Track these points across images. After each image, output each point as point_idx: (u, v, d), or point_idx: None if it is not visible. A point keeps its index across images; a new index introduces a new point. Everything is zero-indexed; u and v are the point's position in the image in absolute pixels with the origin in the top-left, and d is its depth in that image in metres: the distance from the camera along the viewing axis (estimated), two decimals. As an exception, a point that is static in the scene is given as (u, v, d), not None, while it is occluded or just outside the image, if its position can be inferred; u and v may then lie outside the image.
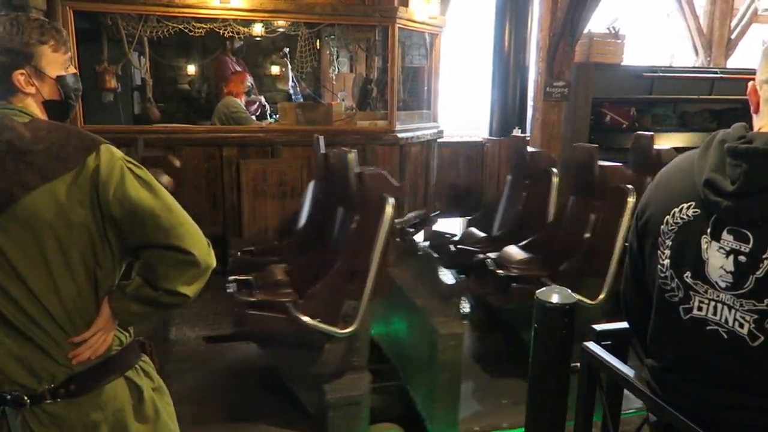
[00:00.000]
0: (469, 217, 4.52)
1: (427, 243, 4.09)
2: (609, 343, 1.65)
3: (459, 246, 3.94)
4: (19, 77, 1.39)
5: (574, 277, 3.05)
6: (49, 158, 1.32)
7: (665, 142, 6.25)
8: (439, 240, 4.13)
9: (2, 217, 1.30)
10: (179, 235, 1.41)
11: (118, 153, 1.40)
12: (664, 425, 1.37)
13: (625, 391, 1.56)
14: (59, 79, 1.46)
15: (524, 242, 3.53)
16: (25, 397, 1.38)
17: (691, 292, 1.20)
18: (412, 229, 5.67)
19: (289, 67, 6.79)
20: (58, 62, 1.45)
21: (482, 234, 4.10)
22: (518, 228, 3.85)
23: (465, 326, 2.76)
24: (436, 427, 2.70)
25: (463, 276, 3.77)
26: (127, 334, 1.52)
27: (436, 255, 3.44)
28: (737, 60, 8.42)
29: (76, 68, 1.55)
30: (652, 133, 3.73)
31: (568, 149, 5.87)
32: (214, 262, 1.49)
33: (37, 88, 1.43)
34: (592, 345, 1.64)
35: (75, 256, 1.35)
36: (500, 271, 3.21)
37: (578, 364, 1.72)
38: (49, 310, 1.36)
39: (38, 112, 1.44)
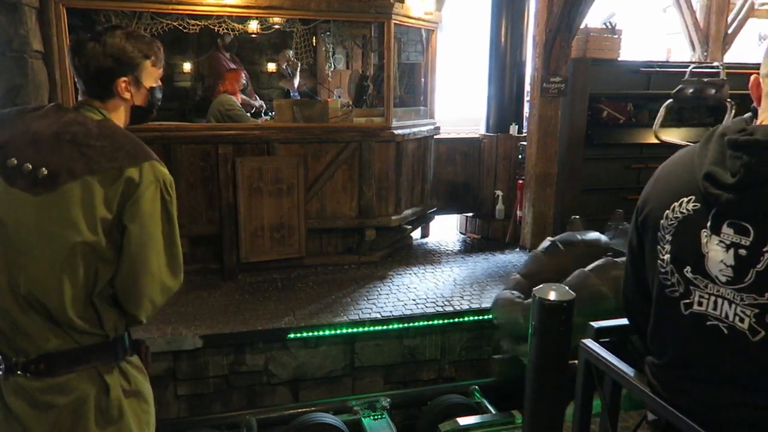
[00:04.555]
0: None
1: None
2: (607, 340, 1.64)
3: None
4: (122, 84, 1.60)
5: None
6: (102, 155, 1.47)
7: (662, 137, 6.24)
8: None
9: (43, 193, 1.45)
10: (138, 306, 1.55)
11: (161, 174, 1.53)
12: (663, 423, 1.36)
13: (624, 389, 1.55)
14: (151, 90, 1.69)
15: None
16: (2, 365, 1.52)
17: (692, 287, 1.18)
18: (409, 226, 5.66)
19: (299, 67, 6.77)
20: (154, 76, 1.69)
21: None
22: None
23: None
24: None
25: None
26: (112, 332, 1.56)
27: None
28: (734, 55, 8.41)
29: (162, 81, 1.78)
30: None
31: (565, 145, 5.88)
32: (154, 311, 1.62)
33: (132, 95, 1.64)
34: (590, 342, 1.63)
35: (86, 247, 1.46)
36: None
37: (576, 362, 1.71)
38: (47, 288, 1.46)
39: (121, 116, 1.65)
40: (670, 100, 4.35)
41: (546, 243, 4.13)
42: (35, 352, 1.49)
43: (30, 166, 1.45)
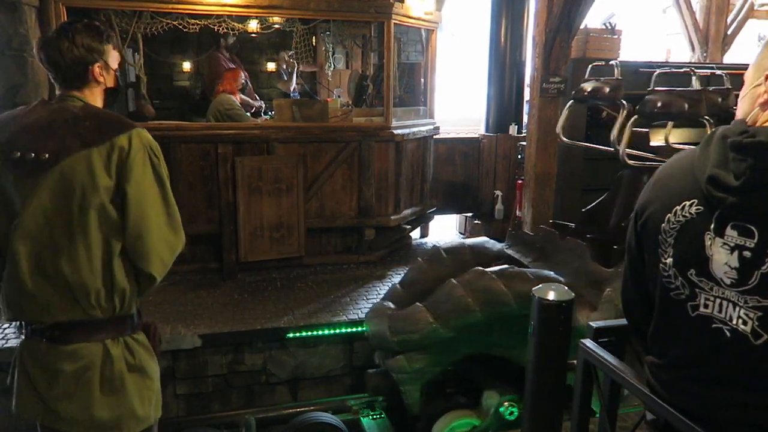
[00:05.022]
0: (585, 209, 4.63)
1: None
2: (606, 340, 1.64)
3: (589, 236, 4.01)
4: (97, 69, 1.78)
5: None
6: (92, 131, 1.66)
7: (661, 138, 6.24)
8: (562, 230, 4.20)
9: (49, 172, 1.63)
10: (149, 261, 1.71)
11: (147, 140, 1.73)
12: (661, 423, 1.36)
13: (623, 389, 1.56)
14: (116, 71, 1.87)
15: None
16: (23, 330, 1.74)
17: (697, 290, 1.19)
18: (408, 226, 5.67)
19: (297, 67, 6.76)
20: (116, 58, 1.86)
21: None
22: None
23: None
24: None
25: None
26: (118, 306, 1.72)
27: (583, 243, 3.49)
28: (734, 56, 8.42)
29: None
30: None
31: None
32: (165, 268, 1.77)
33: (105, 78, 1.82)
34: (589, 342, 1.63)
35: (93, 214, 1.64)
36: None
37: (575, 361, 1.71)
38: (64, 260, 1.64)
39: (98, 99, 1.83)
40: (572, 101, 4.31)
41: (431, 249, 3.84)
42: (50, 321, 1.69)
43: (33, 154, 1.64)
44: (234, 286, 4.58)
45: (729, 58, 8.20)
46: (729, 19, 8.21)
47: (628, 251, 1.41)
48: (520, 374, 3.14)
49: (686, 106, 3.27)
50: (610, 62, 4.07)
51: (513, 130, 6.16)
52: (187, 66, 7.27)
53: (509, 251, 3.68)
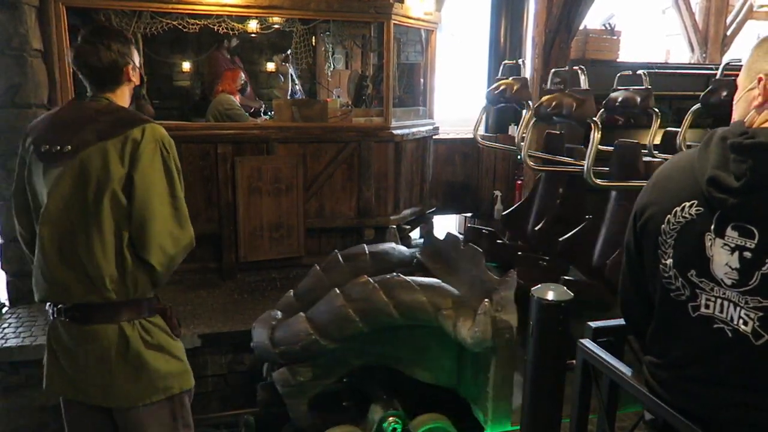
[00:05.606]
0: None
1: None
2: (605, 340, 1.65)
3: (497, 240, 3.97)
4: (129, 70, 1.95)
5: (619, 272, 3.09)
6: (109, 125, 1.81)
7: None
8: (476, 235, 4.14)
9: (70, 163, 1.78)
10: (149, 250, 1.80)
11: (160, 134, 1.86)
12: (660, 423, 1.37)
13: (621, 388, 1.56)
14: (140, 70, 2.04)
15: (565, 237, 3.55)
16: (53, 308, 1.88)
17: (698, 290, 1.19)
18: (408, 227, 5.67)
19: (291, 71, 6.75)
20: (137, 57, 2.01)
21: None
22: (556, 223, 3.87)
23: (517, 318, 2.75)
24: (488, 418, 2.72)
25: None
26: (132, 291, 1.83)
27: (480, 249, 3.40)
28: (733, 57, 8.42)
29: None
30: (636, 141, 3.52)
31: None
32: (168, 260, 1.85)
33: (134, 77, 1.98)
34: (588, 342, 1.63)
35: (106, 202, 1.76)
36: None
37: (574, 361, 1.71)
38: (83, 245, 1.78)
39: (127, 96, 1.99)
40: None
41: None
42: (71, 302, 1.83)
43: (59, 147, 1.81)
44: (233, 286, 4.58)
45: (728, 58, 8.21)
46: (728, 20, 8.23)
47: (626, 252, 1.42)
48: (414, 388, 3.05)
49: (574, 106, 3.20)
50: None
51: (512, 130, 6.17)
52: (186, 66, 7.26)
53: (421, 257, 3.54)
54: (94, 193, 1.77)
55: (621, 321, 1.60)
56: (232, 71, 5.68)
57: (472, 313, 2.58)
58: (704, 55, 7.95)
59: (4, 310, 4.03)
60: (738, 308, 1.13)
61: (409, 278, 2.84)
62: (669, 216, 1.23)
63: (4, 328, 3.70)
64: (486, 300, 2.60)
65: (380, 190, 5.13)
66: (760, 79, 1.20)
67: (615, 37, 6.15)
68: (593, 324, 1.69)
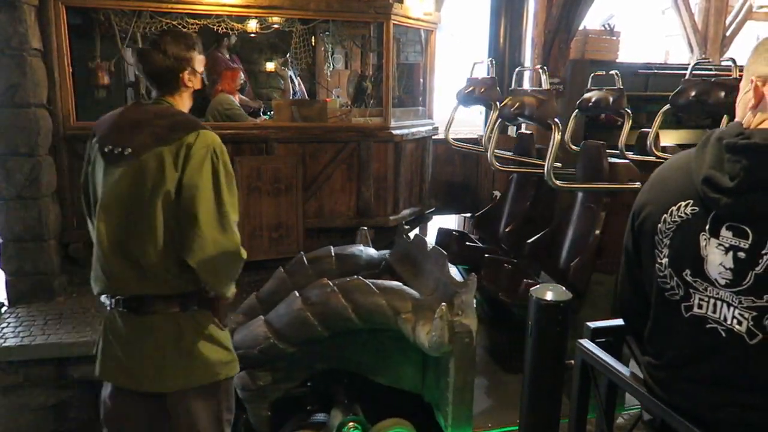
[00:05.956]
0: (475, 214, 4.47)
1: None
2: (604, 340, 1.65)
3: (467, 242, 3.93)
4: (186, 76, 2.01)
5: (584, 275, 3.04)
6: (166, 130, 1.89)
7: (660, 139, 6.25)
8: (446, 237, 4.09)
9: (129, 164, 1.87)
10: (189, 252, 1.85)
11: (212, 140, 1.90)
12: (658, 423, 1.37)
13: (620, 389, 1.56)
14: (201, 75, 2.10)
15: (533, 239, 3.52)
16: (110, 300, 1.97)
17: (691, 290, 1.19)
18: (407, 227, 5.67)
19: (290, 72, 6.74)
20: (202, 62, 2.08)
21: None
22: (526, 225, 3.84)
23: (477, 322, 2.71)
24: (449, 423, 2.70)
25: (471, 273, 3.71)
26: (183, 285, 1.93)
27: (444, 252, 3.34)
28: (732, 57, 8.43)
29: None
30: (602, 142, 3.45)
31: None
32: (209, 265, 1.89)
33: (193, 82, 2.04)
34: (586, 342, 1.63)
35: (159, 203, 1.84)
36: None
37: (573, 361, 1.71)
38: (138, 241, 1.87)
39: (186, 101, 2.06)
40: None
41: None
42: (128, 294, 1.92)
43: (120, 149, 1.90)
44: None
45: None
46: (728, 21, 8.24)
47: (624, 251, 1.42)
48: (380, 393, 3.01)
49: (536, 106, 3.16)
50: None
51: (512, 131, 6.17)
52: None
53: (390, 259, 3.48)
54: (149, 194, 1.86)
55: (620, 321, 1.60)
56: (231, 71, 5.68)
57: (432, 317, 2.54)
58: (704, 55, 7.96)
59: (3, 309, 4.02)
60: (732, 308, 1.13)
61: (369, 281, 2.78)
62: (665, 215, 1.24)
63: (3, 328, 3.70)
64: (443, 304, 2.55)
65: (379, 190, 5.13)
66: (751, 81, 1.21)
67: (614, 38, 6.16)
68: (592, 324, 1.69)
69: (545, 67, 3.56)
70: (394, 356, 2.97)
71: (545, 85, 3.38)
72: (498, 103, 3.70)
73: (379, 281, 2.85)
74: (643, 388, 1.36)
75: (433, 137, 5.86)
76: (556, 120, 3.08)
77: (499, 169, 3.59)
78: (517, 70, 4.14)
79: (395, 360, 2.98)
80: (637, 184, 3.08)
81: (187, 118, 1.97)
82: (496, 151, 3.71)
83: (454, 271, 2.98)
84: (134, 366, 1.96)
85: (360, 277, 2.85)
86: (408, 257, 3.43)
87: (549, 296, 1.86)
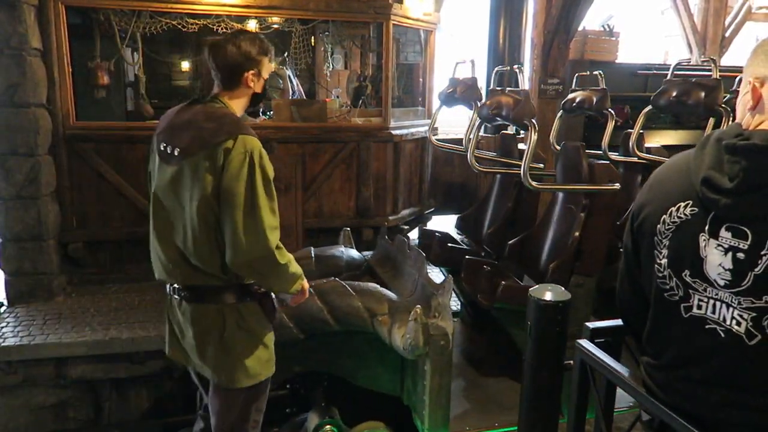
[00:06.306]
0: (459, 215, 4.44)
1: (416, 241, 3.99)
2: (602, 340, 1.65)
3: (449, 244, 3.90)
4: (249, 76, 2.05)
5: (563, 276, 3.02)
6: (210, 133, 1.95)
7: (659, 139, 6.26)
8: (428, 238, 4.07)
9: (178, 163, 1.97)
10: (228, 253, 1.94)
11: (251, 145, 1.96)
12: (657, 423, 1.37)
13: (618, 389, 1.56)
14: (266, 81, 2.15)
15: (513, 240, 3.51)
16: (169, 287, 2.12)
17: (691, 291, 1.20)
18: (406, 227, 5.67)
19: (289, 72, 6.73)
20: (269, 69, 2.13)
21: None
22: (508, 226, 3.82)
23: (454, 324, 2.69)
24: (425, 426, 2.69)
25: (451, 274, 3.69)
26: (229, 277, 2.01)
27: (423, 253, 3.30)
28: (731, 58, 8.45)
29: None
30: (581, 143, 3.42)
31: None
32: (249, 269, 1.98)
33: (254, 84, 2.08)
34: (585, 343, 1.64)
35: (202, 202, 1.93)
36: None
37: (572, 362, 1.72)
38: (183, 236, 2.00)
39: (242, 100, 2.11)
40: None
41: None
42: (180, 283, 2.05)
43: (171, 148, 1.99)
44: (232, 286, 4.57)
45: (727, 60, 8.23)
46: (727, 22, 8.25)
47: (624, 252, 1.42)
48: (360, 395, 3.00)
49: (512, 107, 3.14)
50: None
51: (511, 131, 6.17)
52: (185, 66, 7.26)
53: (371, 261, 3.47)
54: (190, 195, 1.95)
55: (619, 321, 1.60)
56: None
57: (408, 319, 2.53)
58: (703, 56, 7.97)
59: (3, 309, 4.02)
60: (731, 309, 1.14)
61: (346, 283, 2.77)
62: (664, 216, 1.24)
63: (2, 328, 3.69)
64: (418, 306, 2.54)
65: (379, 190, 5.13)
66: (749, 83, 1.21)
67: (614, 38, 6.17)
68: (591, 324, 1.69)
69: (521, 66, 3.55)
70: (371, 359, 2.96)
71: (522, 86, 3.36)
72: (479, 104, 3.68)
73: (356, 283, 2.84)
74: (642, 388, 1.36)
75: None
76: (533, 120, 3.06)
77: (479, 170, 3.55)
78: (496, 69, 4.14)
79: (373, 362, 2.97)
80: (616, 186, 3.06)
81: (233, 122, 2.00)
82: (477, 151, 3.68)
83: (436, 273, 2.96)
84: (189, 350, 2.12)
85: (337, 278, 2.84)
86: (389, 258, 3.43)
87: (548, 296, 1.86)
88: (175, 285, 2.07)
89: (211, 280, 2.00)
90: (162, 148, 2.03)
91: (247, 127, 2.01)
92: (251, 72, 2.05)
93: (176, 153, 1.97)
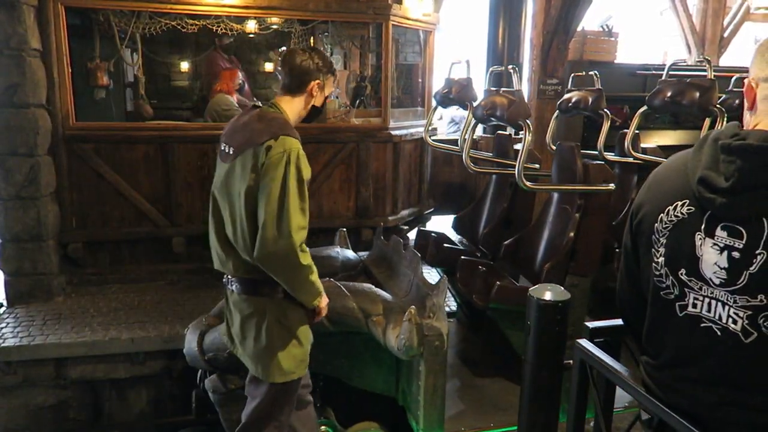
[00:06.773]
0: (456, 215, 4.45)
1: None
2: (602, 340, 1.66)
3: (445, 244, 3.91)
4: (314, 85, 2.23)
5: (557, 277, 3.02)
6: (257, 134, 2.10)
7: (657, 140, 6.27)
8: (424, 238, 4.07)
9: (231, 161, 2.15)
10: (256, 248, 2.06)
11: (290, 146, 2.07)
12: (656, 422, 1.38)
13: (618, 388, 1.57)
14: (326, 98, 2.35)
15: (509, 241, 3.51)
16: (225, 278, 2.29)
17: (686, 289, 1.20)
18: (406, 227, 5.67)
19: None
20: (330, 87, 2.34)
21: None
22: (504, 226, 3.82)
23: (449, 325, 2.69)
24: (420, 426, 2.69)
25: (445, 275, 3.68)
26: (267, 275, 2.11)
27: (419, 254, 3.29)
28: (730, 58, 8.46)
29: None
30: (576, 143, 3.43)
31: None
32: (272, 263, 2.10)
33: (316, 95, 2.26)
34: (585, 342, 1.64)
35: (245, 198, 2.08)
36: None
37: (571, 361, 1.72)
38: (225, 227, 2.19)
39: (298, 108, 2.26)
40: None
41: None
42: (233, 275, 2.21)
43: (228, 147, 2.18)
44: (231, 286, 4.57)
45: (725, 60, 8.25)
46: (725, 22, 8.26)
47: (623, 251, 1.43)
48: (356, 396, 3.02)
49: (506, 107, 3.13)
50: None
51: (510, 131, 6.17)
52: (185, 66, 7.25)
53: (367, 261, 3.46)
54: (237, 192, 2.11)
55: (618, 321, 1.61)
56: (229, 71, 5.68)
57: (403, 320, 2.54)
58: (701, 56, 7.98)
59: (2, 309, 4.02)
60: (726, 307, 1.14)
61: (341, 283, 2.77)
62: (662, 215, 1.25)
63: (2, 328, 3.70)
64: (412, 307, 2.54)
65: (378, 191, 5.13)
66: (748, 82, 1.22)
67: (613, 39, 6.18)
68: (590, 324, 1.70)
69: (515, 67, 3.56)
70: (367, 360, 2.96)
71: (517, 86, 3.37)
72: (473, 104, 3.69)
73: (351, 284, 2.85)
74: (642, 387, 1.37)
75: (431, 137, 5.85)
76: (527, 121, 3.07)
77: (474, 170, 3.56)
78: (491, 70, 4.14)
79: (368, 363, 2.97)
80: (611, 186, 3.06)
81: (278, 124, 2.13)
82: (473, 152, 3.69)
83: (432, 274, 2.96)
84: (234, 336, 2.30)
85: (332, 279, 2.85)
86: (384, 259, 3.43)
87: (548, 296, 1.86)
88: (229, 276, 2.24)
89: (252, 273, 2.13)
90: (222, 148, 2.22)
91: (292, 129, 2.14)
92: (317, 82, 2.21)
93: (231, 152, 2.14)
